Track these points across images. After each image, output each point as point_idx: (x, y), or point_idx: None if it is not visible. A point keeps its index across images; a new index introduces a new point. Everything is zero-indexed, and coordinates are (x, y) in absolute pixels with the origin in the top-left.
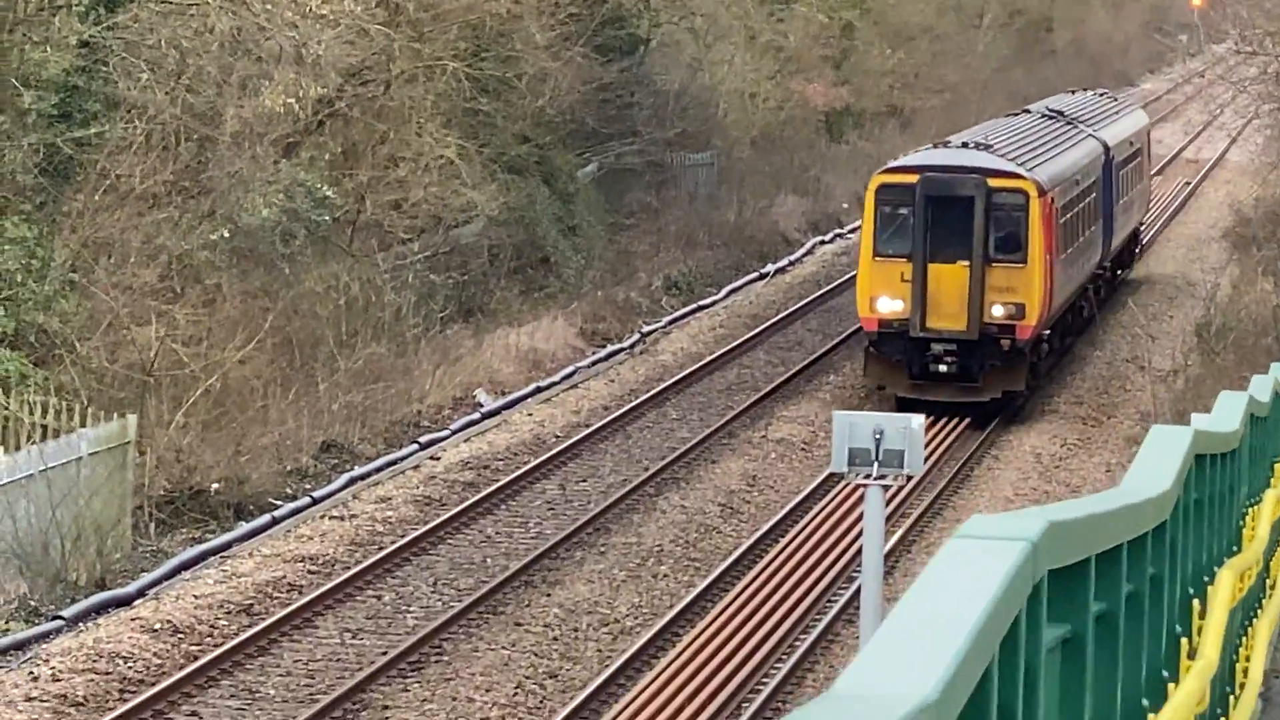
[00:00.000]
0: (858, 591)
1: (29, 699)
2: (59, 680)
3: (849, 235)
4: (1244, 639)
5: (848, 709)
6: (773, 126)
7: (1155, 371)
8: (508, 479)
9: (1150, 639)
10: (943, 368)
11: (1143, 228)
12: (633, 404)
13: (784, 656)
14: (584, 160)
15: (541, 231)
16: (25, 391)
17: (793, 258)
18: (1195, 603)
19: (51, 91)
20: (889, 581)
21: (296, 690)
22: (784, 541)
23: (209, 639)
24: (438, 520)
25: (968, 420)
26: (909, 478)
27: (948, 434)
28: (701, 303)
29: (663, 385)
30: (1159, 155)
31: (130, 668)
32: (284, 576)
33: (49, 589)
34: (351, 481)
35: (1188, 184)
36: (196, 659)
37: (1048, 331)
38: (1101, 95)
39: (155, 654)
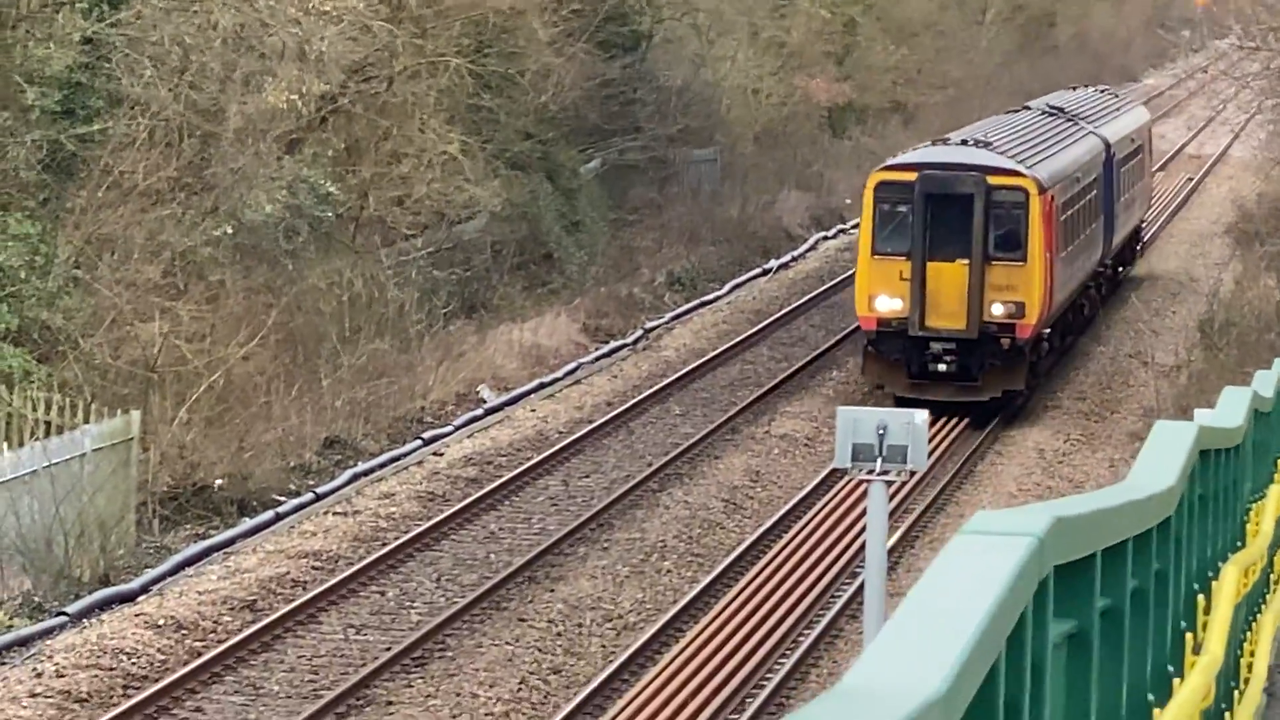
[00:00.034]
0: (861, 587)
1: (33, 695)
2: (63, 676)
3: (852, 231)
4: (1248, 634)
5: (856, 704)
6: (776, 122)
7: (1158, 367)
8: (511, 475)
9: (1155, 634)
10: (942, 367)
11: (1144, 225)
12: (636, 400)
13: (787, 652)
14: (587, 156)
15: (545, 227)
16: (29, 388)
17: (796, 253)
18: (1200, 598)
19: (55, 88)
20: (892, 577)
21: (300, 686)
22: (787, 537)
23: (213, 635)
24: (441, 516)
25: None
26: (912, 473)
27: (951, 430)
28: (704, 298)
29: (666, 381)
30: (1162, 151)
31: (134, 664)
32: (287, 572)
33: (53, 585)
34: (355, 477)
35: (1190, 179)
36: (200, 655)
37: (1048, 330)
38: (1102, 92)
39: (159, 650)
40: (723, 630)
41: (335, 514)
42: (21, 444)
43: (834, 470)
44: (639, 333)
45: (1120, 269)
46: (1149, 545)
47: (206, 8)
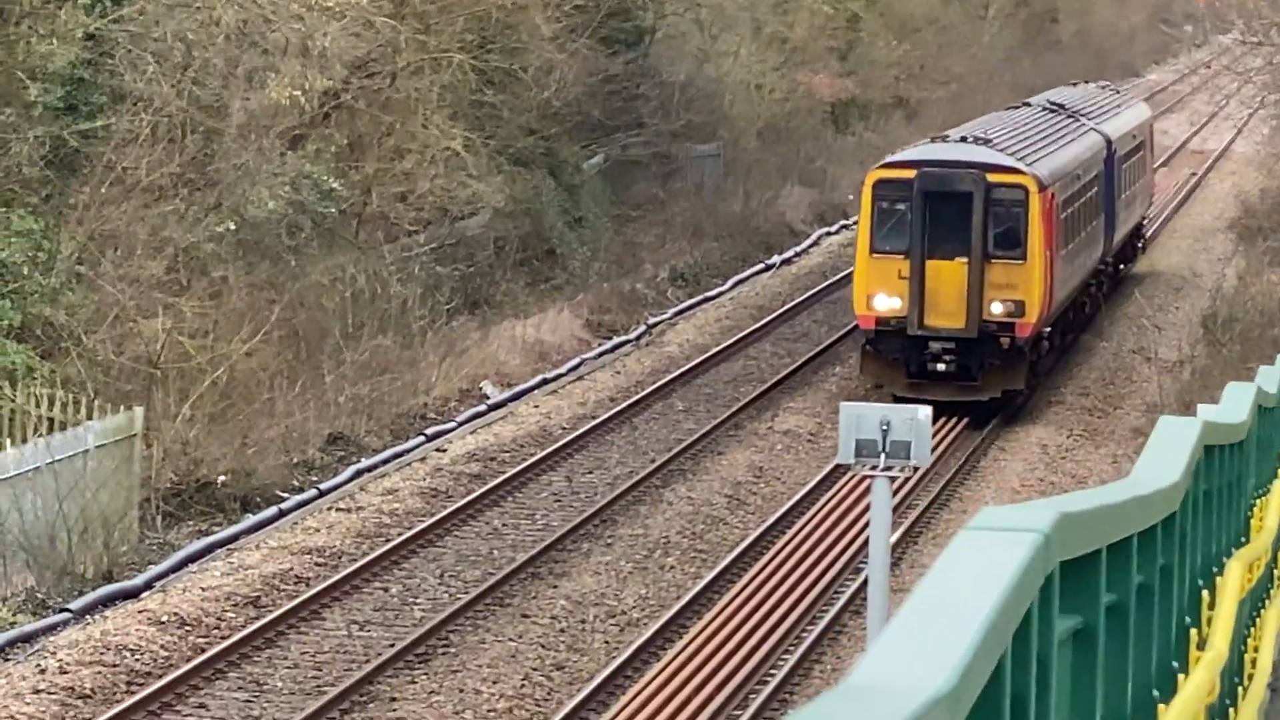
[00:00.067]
0: (864, 583)
1: (36, 691)
2: (66, 673)
3: (854, 226)
4: (1252, 630)
5: (863, 700)
6: (778, 118)
7: (1161, 363)
8: (514, 471)
9: (1160, 630)
10: (941, 366)
11: (1146, 221)
12: (639, 396)
13: (791, 648)
14: (590, 152)
15: (547, 223)
16: (32, 384)
17: (799, 249)
18: (1204, 594)
19: (57, 84)
20: (895, 573)
21: (304, 682)
22: (791, 533)
23: (216, 631)
24: (444, 512)
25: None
26: (915, 469)
27: (954, 425)
28: (707, 294)
29: (669, 377)
30: (1165, 146)
31: (137, 660)
32: (291, 569)
33: (56, 581)
34: (358, 474)
35: (1194, 175)
36: (204, 651)
37: (1048, 329)
38: (1103, 88)
39: (162, 646)
40: (726, 626)
41: (338, 510)
42: (25, 440)
43: (837, 466)
44: (642, 328)
45: (1122, 266)
46: (1154, 541)
47: (209, 3)
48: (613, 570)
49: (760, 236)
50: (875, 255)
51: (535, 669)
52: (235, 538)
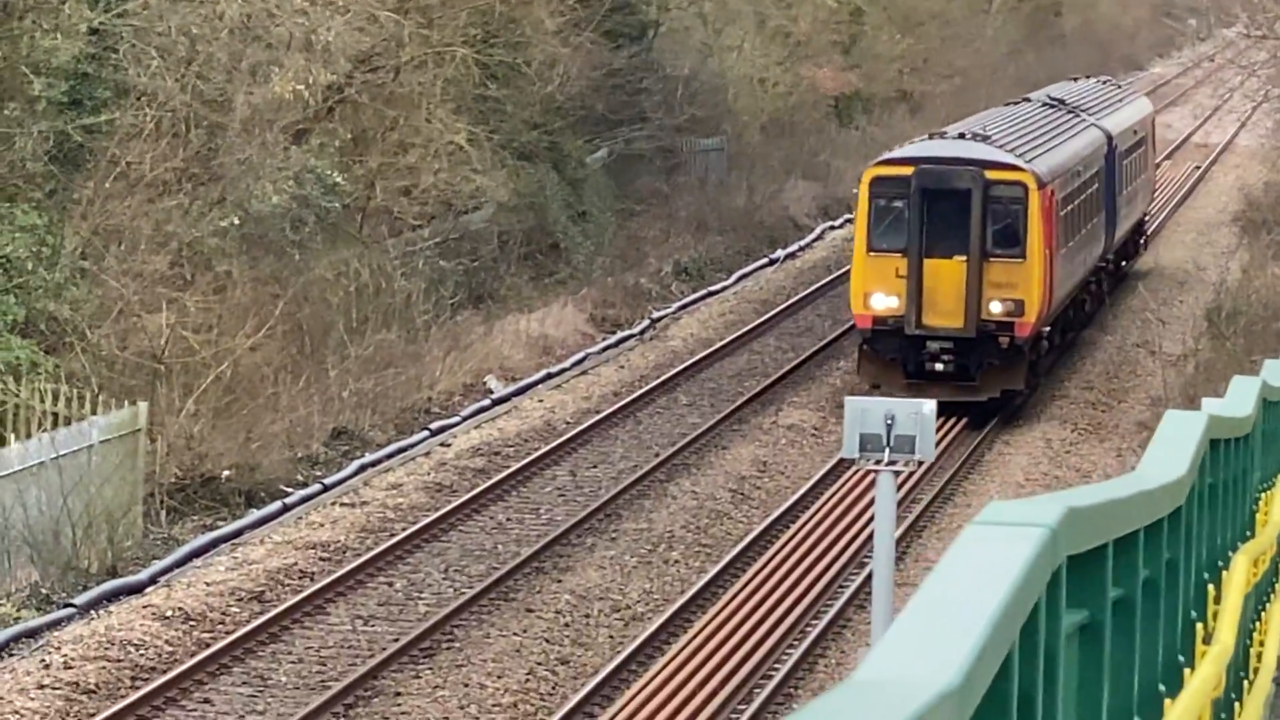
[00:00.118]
0: (869, 577)
1: (41, 686)
2: (71, 668)
3: None
4: (1258, 624)
5: (870, 696)
6: (782, 112)
7: (1165, 356)
8: (518, 465)
9: (1166, 624)
10: (939, 366)
11: (1148, 218)
12: (643, 390)
13: (795, 642)
14: (594, 146)
15: (551, 217)
16: (36, 379)
17: (803, 243)
18: (1210, 588)
19: (61, 79)
20: (900, 567)
21: (308, 677)
22: (795, 527)
23: (220, 626)
24: (449, 507)
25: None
26: (920, 463)
27: (957, 420)
28: (711, 288)
29: (673, 371)
30: (1168, 140)
31: (142, 655)
32: (295, 563)
33: (60, 576)
34: (362, 468)
35: (1197, 168)
36: (208, 646)
37: (1048, 328)
38: (1104, 83)
39: (167, 641)
40: (730, 621)
41: (343, 505)
42: (29, 435)
43: (841, 460)
44: (646, 323)
45: (1123, 263)
46: (1160, 535)
47: None
48: (617, 565)
49: (764, 230)
50: (872, 254)
51: (540, 663)
52: (239, 533)
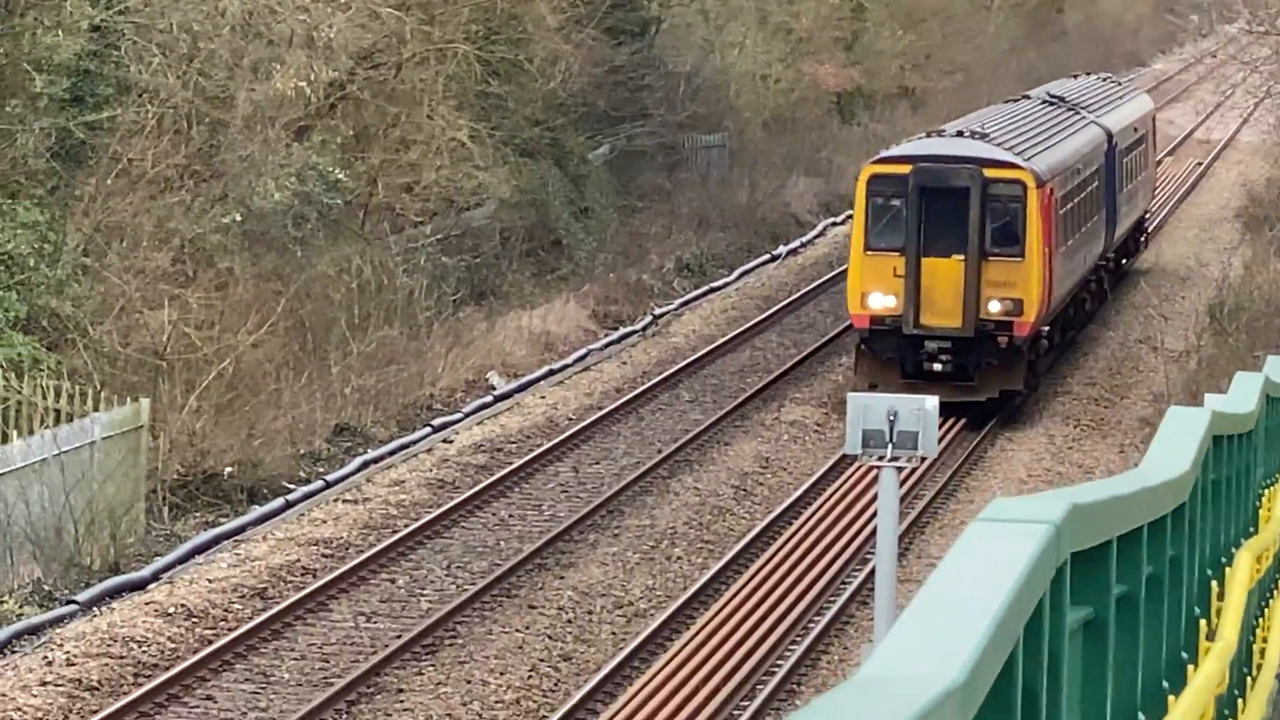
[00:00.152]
0: (872, 573)
1: (43, 683)
2: (73, 665)
3: None
4: (1261, 620)
5: (875, 692)
6: (784, 108)
7: (1168, 352)
8: (521, 462)
9: (1170, 621)
10: (937, 366)
11: (1148, 216)
12: (645, 386)
13: (798, 638)
14: (596, 143)
15: (553, 214)
16: (38, 376)
17: (805, 239)
18: (1213, 584)
19: (63, 76)
20: (903, 563)
21: (310, 674)
22: (798, 523)
23: (223, 623)
24: (451, 503)
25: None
26: (923, 459)
27: (956, 420)
28: (713, 285)
29: (675, 367)
30: (1170, 136)
31: (144, 652)
32: (297, 560)
33: (63, 573)
34: (364, 465)
35: (1199, 164)
36: (211, 643)
37: (1047, 328)
38: (1105, 80)
39: (169, 638)
40: (733, 617)
41: (345, 501)
42: (31, 432)
43: (844, 456)
44: (648, 319)
45: (1123, 261)
46: (1163, 532)
47: None
48: (620, 561)
49: (766, 227)
50: (870, 253)
51: (542, 660)
52: (242, 529)
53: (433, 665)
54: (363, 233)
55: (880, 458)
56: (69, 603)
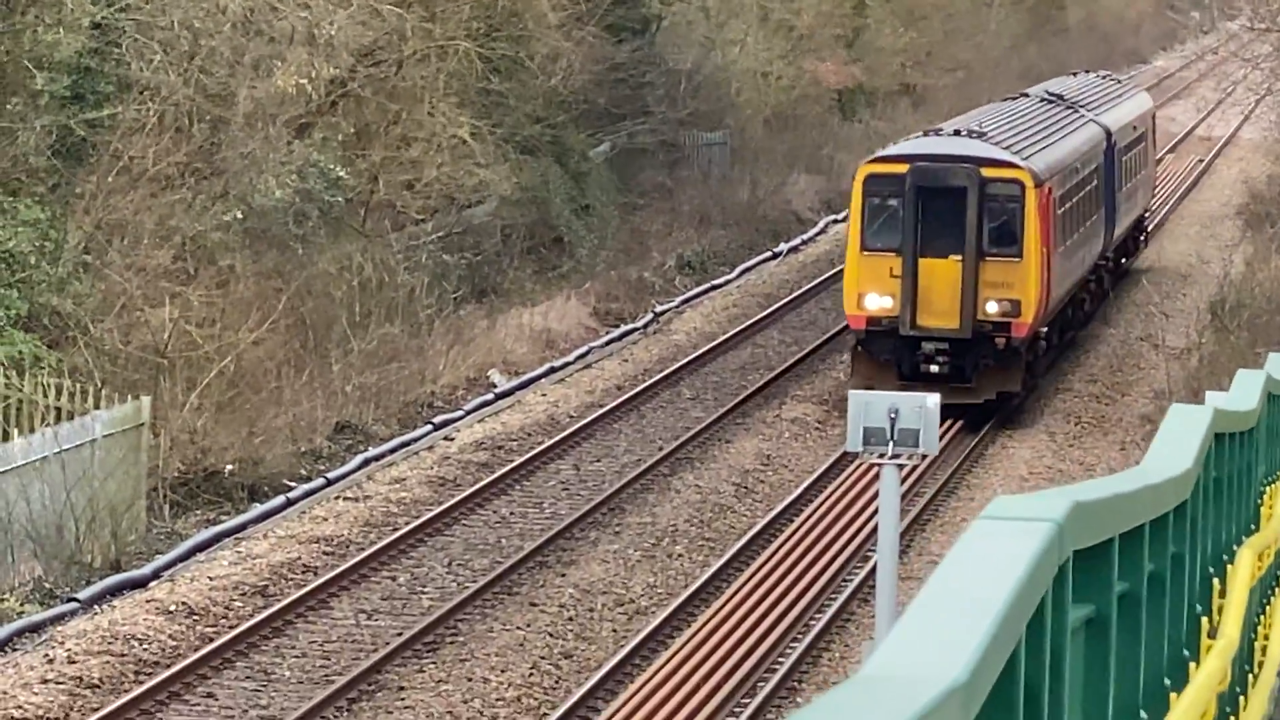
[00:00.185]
0: (873, 570)
1: (44, 681)
2: (74, 662)
3: None
4: (1262, 617)
5: (877, 691)
6: (785, 105)
7: (1169, 350)
8: (522, 459)
9: (1172, 618)
10: (934, 368)
11: (1148, 214)
12: (646, 384)
13: (799, 636)
14: (597, 140)
15: (554, 211)
16: (39, 374)
17: (806, 236)
18: (1215, 582)
19: (64, 73)
20: (904, 560)
21: (312, 671)
22: (799, 521)
23: (224, 621)
24: (452, 501)
25: None
26: (924, 457)
27: (954, 421)
28: (715, 282)
29: (676, 365)
30: (1172, 133)
31: (145, 650)
32: (299, 558)
33: (64, 571)
34: (366, 462)
35: (1201, 161)
36: (212, 641)
37: (1045, 328)
38: (1104, 77)
39: (170, 636)
40: (734, 615)
41: (346, 499)
42: (32, 430)
43: (845, 454)
44: (649, 316)
45: (1123, 261)
46: (1165, 529)
47: None
48: (621, 559)
49: (767, 224)
50: (866, 253)
51: (543, 657)
52: (243, 527)
53: (434, 663)
54: (364, 230)
55: (881, 455)
56: (70, 600)
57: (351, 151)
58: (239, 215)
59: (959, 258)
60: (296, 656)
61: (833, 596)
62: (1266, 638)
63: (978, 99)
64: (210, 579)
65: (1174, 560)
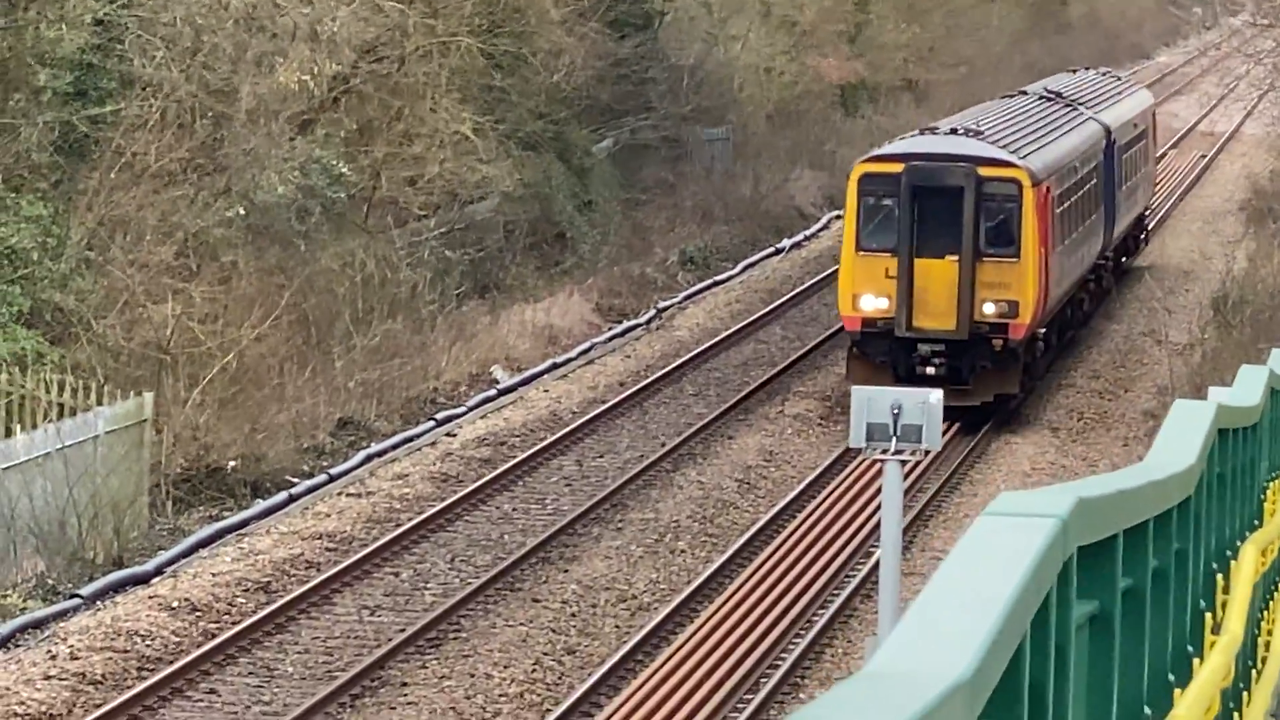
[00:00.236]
0: (875, 566)
1: (47, 677)
2: (77, 659)
3: None
4: (1266, 613)
5: (882, 688)
6: (788, 101)
7: (1172, 345)
8: (525, 455)
9: (1176, 614)
10: (930, 370)
11: (1148, 213)
12: (649, 380)
13: (801, 632)
14: (599, 136)
15: (557, 207)
16: (42, 370)
17: (808, 232)
18: (1219, 578)
19: (67, 69)
20: (906, 556)
21: (314, 667)
22: (801, 517)
23: (227, 617)
24: (455, 497)
25: None
26: (927, 452)
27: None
28: (717, 278)
29: (679, 361)
30: (1174, 129)
31: (148, 646)
32: (301, 554)
33: (66, 567)
34: (368, 459)
35: (1203, 157)
36: (214, 637)
37: (1043, 329)
38: (1104, 75)
39: (173, 632)
40: (737, 610)
41: (349, 495)
42: (34, 426)
43: (848, 450)
44: (652, 312)
45: (1123, 259)
46: (1169, 525)
47: None
48: (623, 554)
49: (770, 220)
50: (861, 253)
51: (546, 653)
52: (245, 523)
53: (436, 659)
54: (366, 226)
55: (884, 451)
56: (72, 596)
57: (354, 148)
58: (241, 211)
59: (955, 258)
60: (299, 652)
61: (835, 592)
62: (1270, 633)
63: (980, 94)
64: (213, 575)
65: (1178, 556)
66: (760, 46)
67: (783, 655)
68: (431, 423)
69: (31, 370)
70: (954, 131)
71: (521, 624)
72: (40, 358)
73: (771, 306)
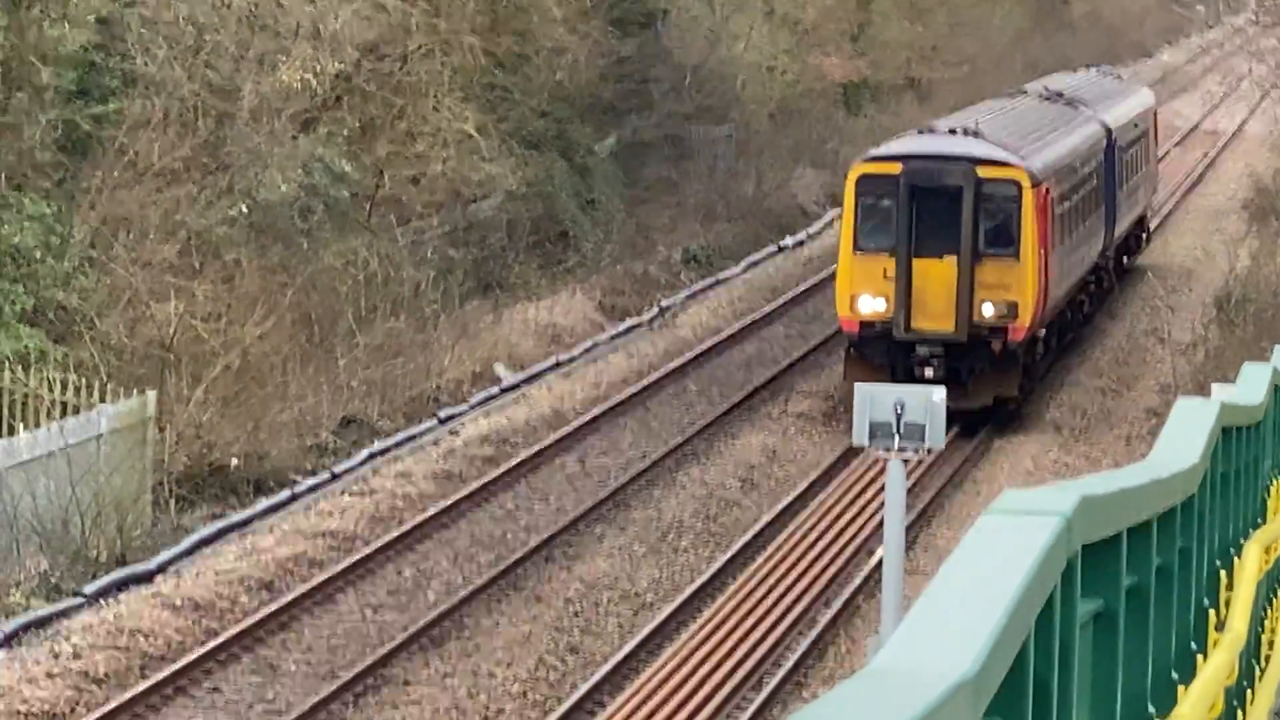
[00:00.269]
0: (879, 565)
1: (50, 676)
2: (80, 657)
3: None
4: (1269, 610)
5: (886, 686)
6: (790, 99)
7: (1175, 343)
8: (527, 454)
9: (1179, 612)
10: (929, 372)
11: (1150, 213)
12: (652, 378)
13: (804, 630)
14: (602, 134)
15: (560, 206)
16: (45, 368)
17: (811, 230)
18: (1222, 575)
19: (69, 68)
20: (909, 555)
21: (317, 665)
22: (804, 515)
23: (229, 615)
24: (458, 495)
25: None
26: (930, 451)
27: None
28: (720, 276)
29: (682, 359)
30: (1177, 127)
31: (151, 644)
32: (304, 552)
33: (69, 566)
34: (371, 457)
35: (1206, 155)
36: (217, 635)
37: (1043, 331)
38: (1105, 74)
39: (176, 630)
40: (740, 609)
41: (352, 494)
42: (38, 425)
43: (851, 448)
44: (655, 311)
45: (1124, 260)
46: (1173, 523)
47: None
48: (626, 553)
49: (772, 218)
50: (859, 254)
51: (549, 652)
52: (248, 521)
53: (439, 657)
54: (369, 225)
55: (887, 449)
56: (76, 595)
57: (357, 146)
58: (244, 210)
59: (954, 259)
60: (302, 651)
61: (838, 591)
62: (1274, 631)
63: (983, 93)
64: (216, 573)
65: (1181, 554)
66: (763, 45)
67: (786, 654)
68: (434, 421)
69: (35, 369)
70: (953, 131)
71: (524, 622)
72: (43, 356)
73: (774, 305)
